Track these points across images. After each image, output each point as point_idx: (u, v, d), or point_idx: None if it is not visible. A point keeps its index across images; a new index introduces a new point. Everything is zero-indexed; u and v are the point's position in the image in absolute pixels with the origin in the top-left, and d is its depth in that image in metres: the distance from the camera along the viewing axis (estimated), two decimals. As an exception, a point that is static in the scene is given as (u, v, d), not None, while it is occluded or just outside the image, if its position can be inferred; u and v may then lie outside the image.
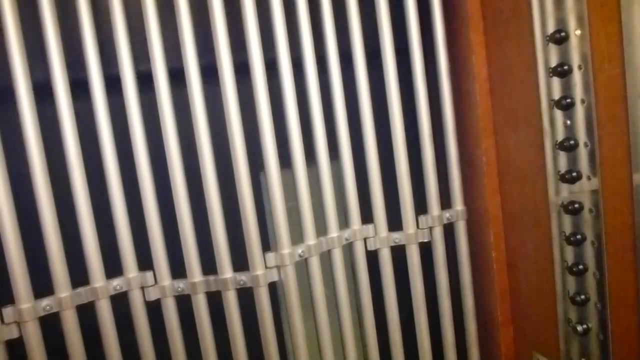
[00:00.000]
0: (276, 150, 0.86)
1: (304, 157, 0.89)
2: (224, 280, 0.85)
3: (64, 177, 0.78)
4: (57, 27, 0.76)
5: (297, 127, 0.88)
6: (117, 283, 0.83)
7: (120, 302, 0.84)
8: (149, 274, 0.85)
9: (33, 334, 0.77)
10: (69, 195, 0.79)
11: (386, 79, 0.93)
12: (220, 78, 0.82)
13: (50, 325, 0.79)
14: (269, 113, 0.85)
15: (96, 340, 0.82)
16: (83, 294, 0.80)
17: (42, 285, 0.78)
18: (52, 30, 0.75)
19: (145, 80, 0.82)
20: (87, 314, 0.81)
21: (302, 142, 0.88)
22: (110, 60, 0.81)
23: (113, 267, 0.83)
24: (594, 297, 0.81)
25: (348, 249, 0.96)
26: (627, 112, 0.69)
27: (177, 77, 0.83)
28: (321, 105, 0.90)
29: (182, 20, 0.80)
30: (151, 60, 0.80)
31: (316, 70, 0.89)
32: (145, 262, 0.85)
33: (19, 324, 0.76)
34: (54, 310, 0.78)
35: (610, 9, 0.69)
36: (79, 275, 0.80)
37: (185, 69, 0.81)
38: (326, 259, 0.94)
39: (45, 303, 0.78)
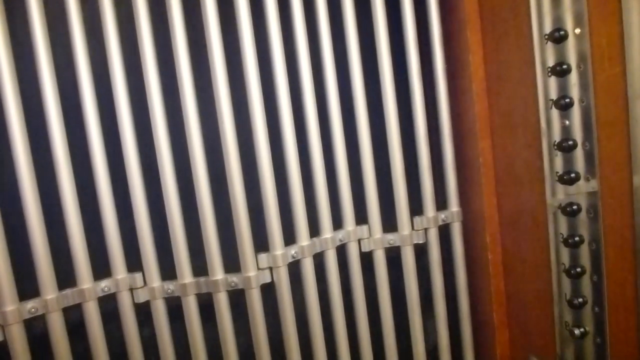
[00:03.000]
0: (269, 151, 0.84)
1: (298, 157, 0.87)
2: (215, 282, 0.83)
3: (52, 177, 0.76)
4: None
5: (291, 128, 0.86)
6: (105, 284, 0.81)
7: (108, 303, 0.82)
8: (138, 275, 0.83)
9: (17, 338, 0.74)
10: (56, 193, 0.76)
11: (382, 79, 0.92)
12: (212, 79, 0.81)
13: (36, 327, 0.77)
14: (262, 114, 0.83)
15: (83, 343, 0.80)
16: (70, 296, 0.78)
17: (27, 286, 0.76)
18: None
19: (138, 82, 0.80)
20: (74, 316, 0.79)
21: (295, 143, 0.86)
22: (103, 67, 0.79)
23: (101, 268, 0.81)
24: (591, 300, 0.80)
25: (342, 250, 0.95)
26: (628, 113, 0.67)
27: (167, 79, 0.81)
28: (316, 106, 0.88)
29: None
30: (143, 66, 0.79)
31: (311, 70, 0.87)
32: (134, 263, 0.83)
33: (2, 327, 0.74)
34: (40, 312, 0.76)
35: (611, 7, 0.67)
36: (65, 276, 0.78)
37: (177, 74, 0.80)
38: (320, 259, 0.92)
39: (31, 305, 0.75)
